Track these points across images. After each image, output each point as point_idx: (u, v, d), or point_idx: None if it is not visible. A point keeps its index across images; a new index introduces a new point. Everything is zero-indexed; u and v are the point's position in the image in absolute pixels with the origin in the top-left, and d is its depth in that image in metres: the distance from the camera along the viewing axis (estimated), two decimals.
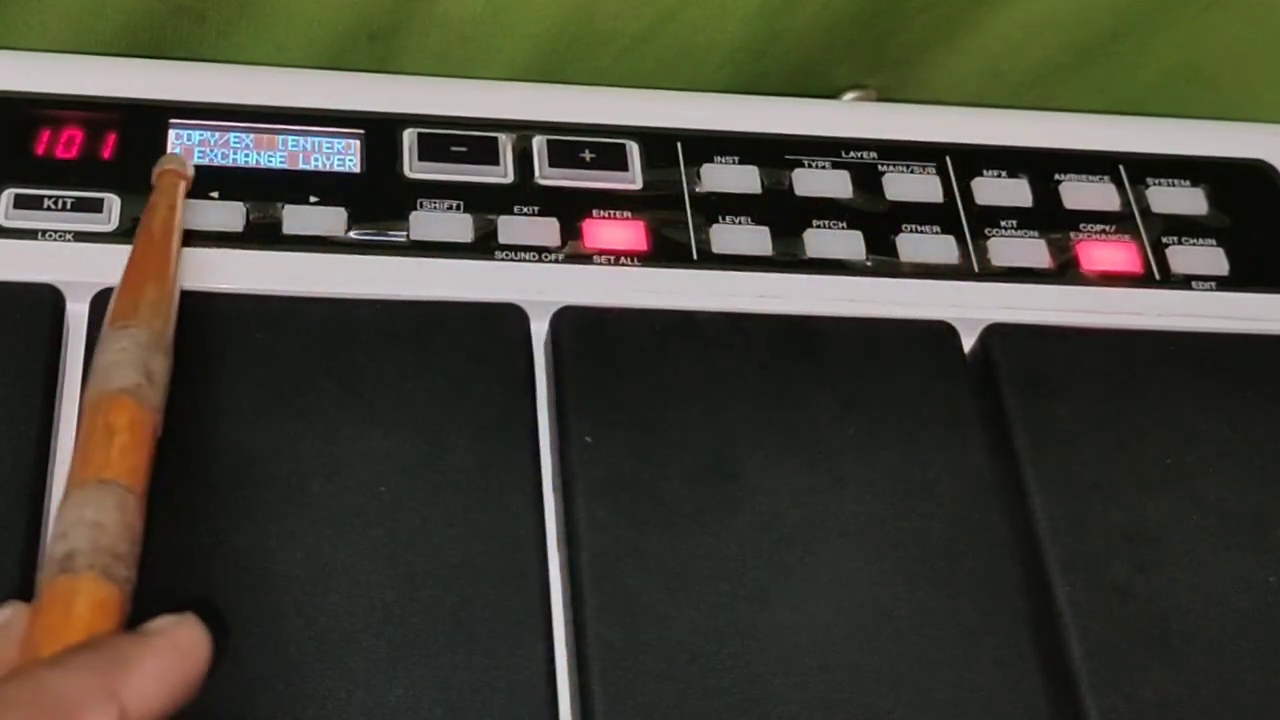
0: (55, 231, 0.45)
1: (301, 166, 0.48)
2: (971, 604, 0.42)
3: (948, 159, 0.52)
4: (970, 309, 0.48)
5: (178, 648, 0.31)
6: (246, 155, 0.48)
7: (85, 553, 0.32)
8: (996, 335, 0.47)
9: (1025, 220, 0.51)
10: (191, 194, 0.46)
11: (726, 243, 0.48)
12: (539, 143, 0.49)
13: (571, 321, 0.45)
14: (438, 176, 0.48)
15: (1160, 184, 0.53)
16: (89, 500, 0.33)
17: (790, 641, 0.41)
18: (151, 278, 0.40)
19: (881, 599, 0.42)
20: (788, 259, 0.48)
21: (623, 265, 0.47)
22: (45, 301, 0.43)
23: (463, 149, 0.49)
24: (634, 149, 0.50)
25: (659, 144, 0.50)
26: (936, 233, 0.50)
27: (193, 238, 0.45)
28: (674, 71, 0.55)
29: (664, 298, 0.47)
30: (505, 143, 0.49)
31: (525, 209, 0.48)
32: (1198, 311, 0.50)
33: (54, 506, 0.40)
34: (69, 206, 0.45)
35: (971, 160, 0.52)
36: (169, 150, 0.47)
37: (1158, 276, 0.50)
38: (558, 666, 0.40)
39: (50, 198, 0.45)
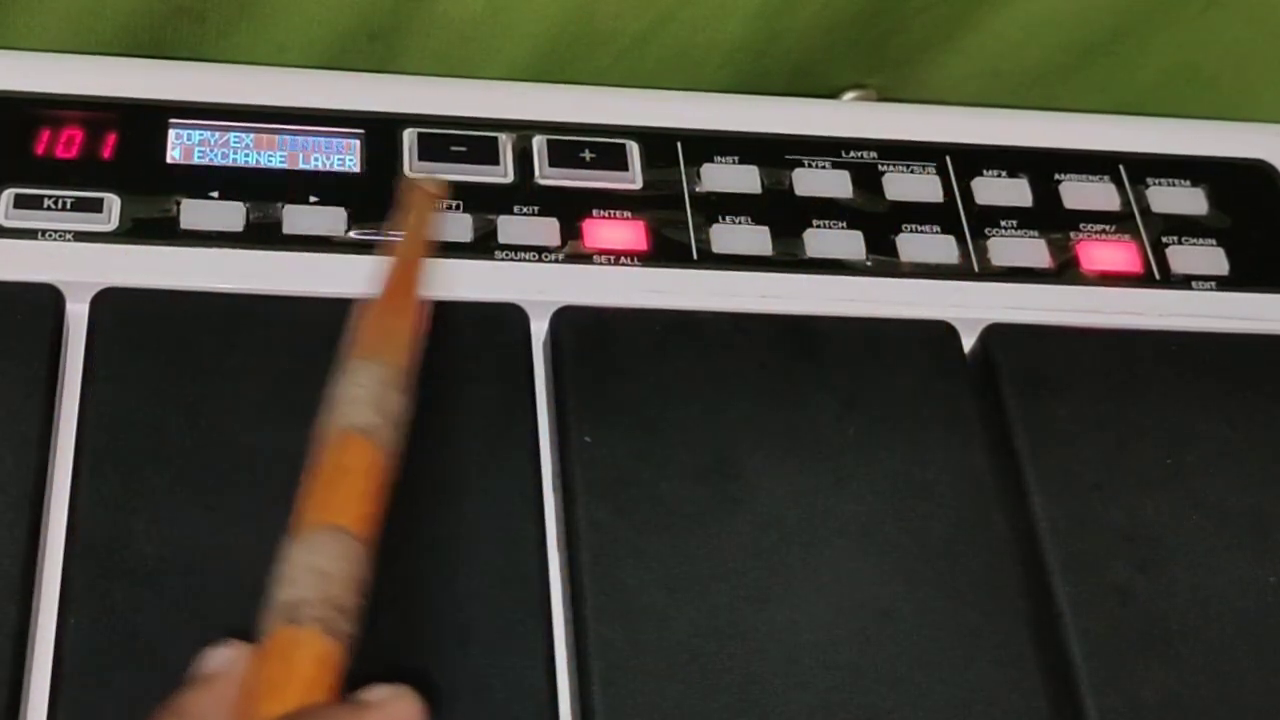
0: (55, 231, 0.45)
1: (301, 166, 0.48)
2: (971, 604, 0.42)
3: (948, 159, 0.52)
4: (970, 309, 0.48)
5: None
6: (246, 155, 0.48)
7: (312, 604, 0.31)
8: (996, 335, 0.47)
9: (1025, 220, 0.51)
10: (191, 193, 0.46)
11: (726, 243, 0.48)
12: (539, 143, 0.49)
13: (571, 321, 0.45)
14: (438, 176, 0.48)
15: (1160, 184, 0.53)
16: (319, 547, 0.32)
17: (790, 641, 0.41)
18: (399, 309, 0.39)
19: (881, 599, 0.42)
20: (788, 259, 0.48)
21: (623, 265, 0.47)
22: (45, 301, 0.43)
23: (463, 149, 0.49)
24: (634, 149, 0.50)
25: (659, 144, 0.50)
26: (936, 233, 0.50)
27: (193, 237, 0.45)
28: (674, 71, 0.55)
29: (664, 298, 0.47)
30: (505, 143, 0.49)
31: (525, 209, 0.48)
32: (1198, 311, 0.50)
33: (54, 506, 0.40)
34: (69, 206, 0.45)
35: (971, 160, 0.52)
36: (169, 150, 0.47)
37: (1158, 276, 0.50)
38: (558, 666, 0.40)
39: (50, 198, 0.45)
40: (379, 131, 0.49)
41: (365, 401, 0.36)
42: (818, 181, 0.50)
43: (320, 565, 0.32)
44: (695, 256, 0.48)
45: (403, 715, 0.31)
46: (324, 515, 0.33)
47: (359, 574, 0.33)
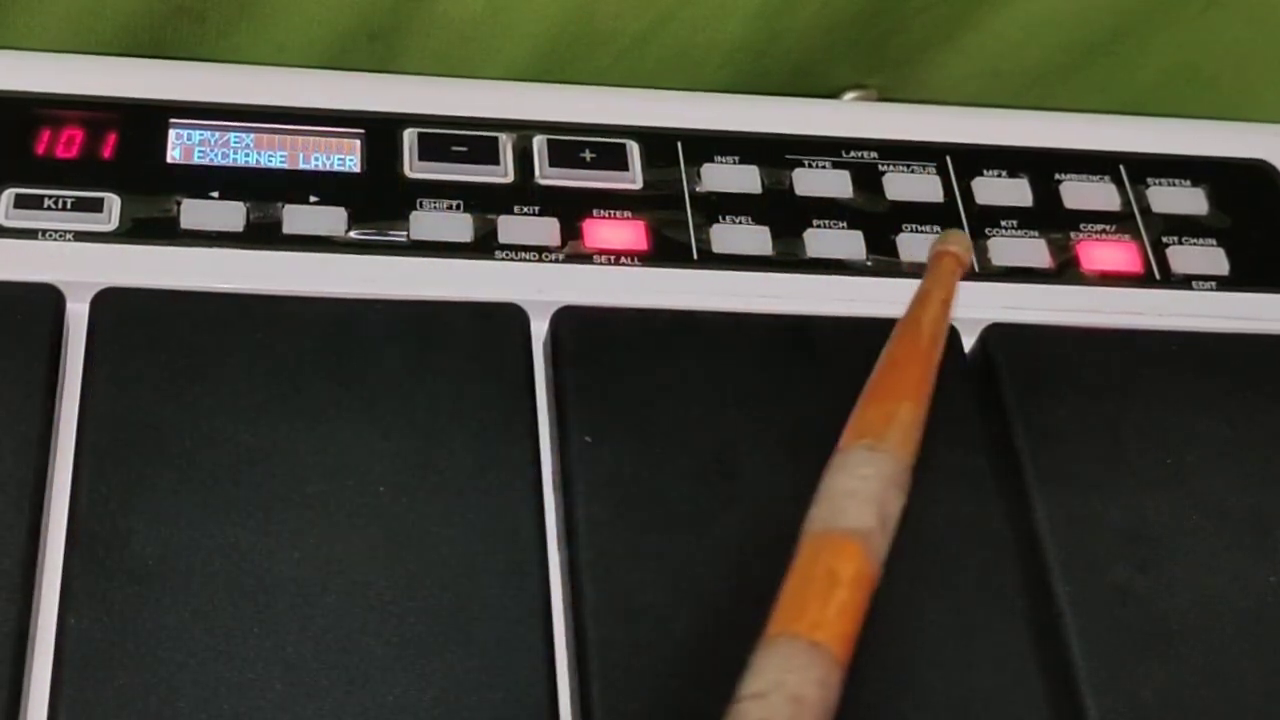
0: (55, 231, 0.45)
1: (301, 166, 0.48)
2: (971, 604, 0.42)
3: (948, 159, 0.52)
4: (970, 309, 0.48)
5: None
6: (246, 155, 0.48)
7: None
8: (996, 335, 0.47)
9: (1025, 220, 0.51)
10: (191, 193, 0.46)
11: (726, 243, 0.48)
12: (539, 142, 0.49)
13: (571, 321, 0.45)
14: (438, 176, 0.48)
15: (1160, 184, 0.53)
16: (795, 664, 0.30)
17: None
18: (911, 393, 0.36)
19: (881, 599, 0.42)
20: (788, 259, 0.48)
21: (623, 265, 0.47)
22: (45, 301, 0.43)
23: (463, 149, 0.49)
24: (634, 149, 0.50)
25: (659, 144, 0.50)
26: (937, 232, 0.50)
27: (193, 237, 0.45)
28: (674, 71, 0.55)
29: (664, 298, 0.47)
30: (505, 143, 0.49)
31: (525, 209, 0.48)
32: (1198, 311, 0.50)
33: (54, 506, 0.40)
34: (69, 206, 0.45)
35: (971, 160, 0.52)
36: (169, 150, 0.47)
37: (1158, 276, 0.50)
38: (558, 666, 0.40)
39: (50, 198, 0.45)
40: (379, 131, 0.49)
41: (865, 500, 0.32)
42: (818, 181, 0.50)
43: (794, 688, 0.29)
44: (695, 256, 0.48)
45: None
46: (805, 628, 0.30)
47: (832, 702, 0.30)
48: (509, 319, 0.45)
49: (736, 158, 0.50)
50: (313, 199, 0.47)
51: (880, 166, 0.51)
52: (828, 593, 0.31)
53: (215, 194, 0.46)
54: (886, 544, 0.32)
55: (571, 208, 0.48)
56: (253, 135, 0.48)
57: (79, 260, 0.44)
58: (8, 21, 0.50)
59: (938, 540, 0.43)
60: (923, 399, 0.36)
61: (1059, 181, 0.52)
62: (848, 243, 0.49)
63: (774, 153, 0.51)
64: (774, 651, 0.30)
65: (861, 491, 0.32)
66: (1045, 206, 0.51)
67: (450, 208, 0.47)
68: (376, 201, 0.47)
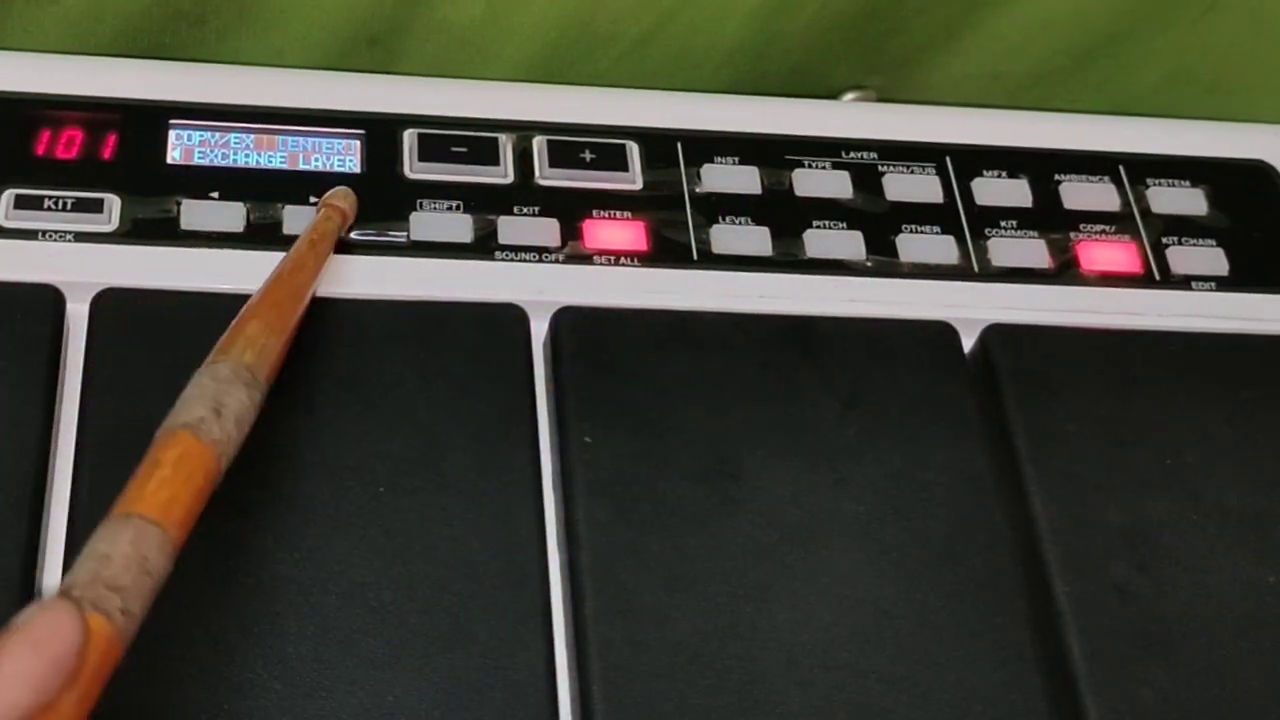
0: (55, 232, 0.45)
1: (301, 167, 0.48)
2: (971, 604, 0.42)
3: (948, 159, 0.52)
4: (970, 309, 0.48)
5: (34, 642, 0.30)
6: (246, 155, 0.48)
7: (81, 584, 0.31)
8: (996, 335, 0.47)
9: (1025, 220, 0.51)
10: (191, 194, 0.46)
11: (726, 243, 0.48)
12: (539, 143, 0.49)
13: (571, 321, 0.45)
14: (438, 177, 0.48)
15: (1160, 184, 0.53)
16: (105, 534, 0.32)
17: (790, 641, 0.41)
18: (260, 313, 0.39)
19: (881, 599, 0.42)
20: (788, 259, 0.48)
21: (623, 265, 0.47)
22: (45, 301, 0.43)
23: (463, 149, 0.49)
24: (634, 149, 0.50)
25: (659, 144, 0.50)
26: (936, 233, 0.50)
27: (193, 238, 0.45)
28: (674, 72, 0.55)
29: (664, 298, 0.47)
30: (505, 143, 0.49)
31: (525, 209, 0.48)
32: (1198, 311, 0.50)
33: (54, 506, 0.40)
34: (69, 207, 0.45)
35: (971, 160, 0.52)
36: (169, 151, 0.47)
37: (1158, 277, 0.50)
38: (558, 666, 0.40)
39: (50, 198, 0.45)
40: (379, 132, 0.49)
41: (196, 400, 0.36)
42: (818, 182, 0.50)
43: (101, 550, 0.32)
44: (695, 257, 0.48)
45: (44, 632, 0.30)
46: (121, 507, 0.33)
47: (148, 554, 0.32)
48: (509, 319, 0.45)
49: (736, 158, 0.50)
50: (313, 199, 0.47)
51: (880, 167, 0.51)
52: (149, 475, 0.34)
53: (215, 194, 0.46)
54: (230, 427, 0.36)
55: (571, 208, 0.48)
56: (253, 136, 0.48)
57: (79, 260, 0.44)
58: (8, 22, 0.50)
59: (938, 540, 0.43)
60: (272, 315, 0.39)
61: (1058, 182, 0.52)
62: (847, 243, 0.49)
63: (774, 153, 0.51)
64: (94, 533, 0.32)
65: (194, 395, 0.36)
66: (1045, 207, 0.51)
67: (450, 208, 0.47)
68: (376, 202, 0.47)
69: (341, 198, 0.45)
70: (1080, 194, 0.52)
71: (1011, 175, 0.52)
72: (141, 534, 0.33)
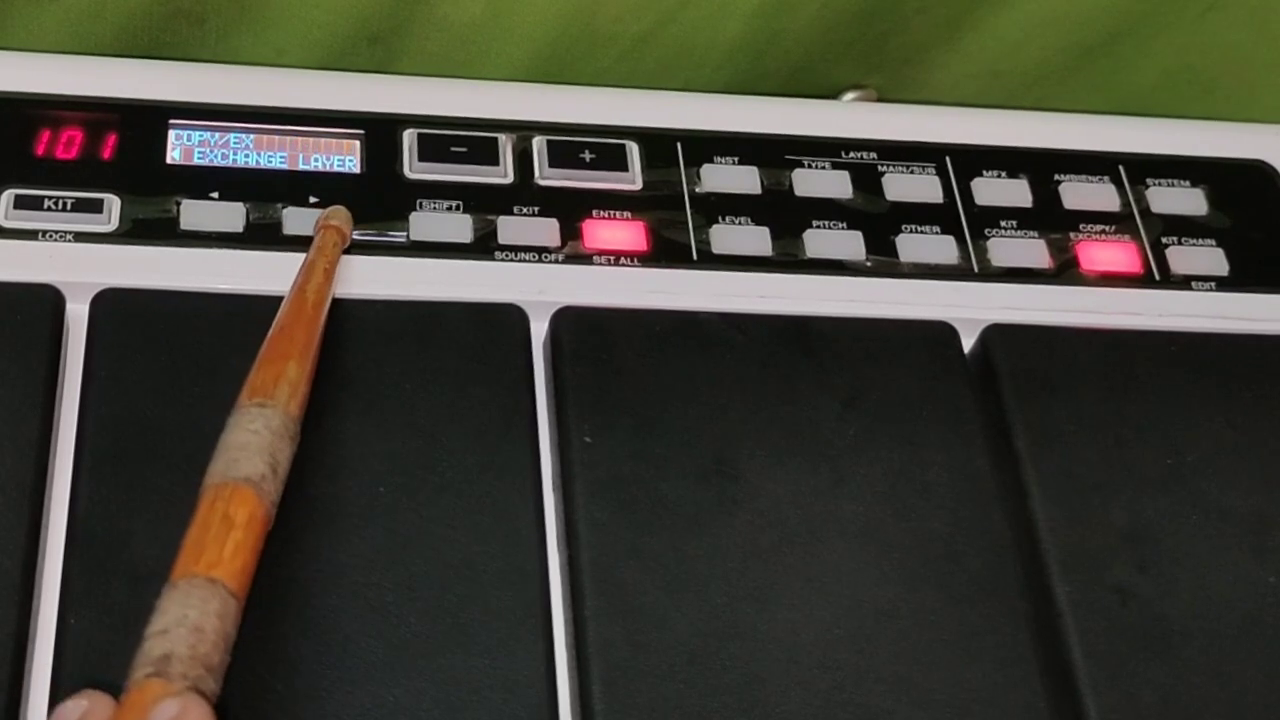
0: (55, 232, 0.45)
1: (301, 167, 0.48)
2: (971, 604, 0.42)
3: (948, 159, 0.52)
4: (970, 309, 0.48)
5: None
6: (246, 155, 0.48)
7: (183, 660, 0.31)
8: (996, 335, 0.47)
9: (1025, 220, 0.51)
10: (191, 194, 0.46)
11: (726, 243, 0.48)
12: (539, 143, 0.49)
13: (571, 321, 0.45)
14: (438, 177, 0.48)
15: (1160, 184, 0.53)
16: (195, 600, 0.32)
17: (790, 641, 0.41)
18: (296, 353, 0.39)
19: (881, 599, 0.42)
20: (788, 259, 0.48)
21: (623, 265, 0.47)
22: (45, 302, 0.43)
23: (463, 149, 0.49)
24: (634, 149, 0.50)
25: (659, 144, 0.50)
26: (936, 233, 0.50)
27: (193, 238, 0.45)
28: (674, 72, 0.55)
29: (664, 298, 0.47)
30: (505, 143, 0.49)
31: (525, 209, 0.48)
32: (1197, 311, 0.50)
33: (54, 506, 0.40)
34: (69, 207, 0.45)
35: (971, 160, 0.52)
36: (169, 151, 0.47)
37: (1157, 277, 0.50)
38: (558, 666, 0.40)
39: (50, 198, 0.45)
40: (379, 132, 0.49)
41: (256, 451, 0.36)
42: (818, 182, 0.50)
43: (194, 620, 0.32)
44: (695, 257, 0.48)
45: None
46: (203, 568, 0.33)
47: (231, 632, 0.33)
48: (509, 319, 0.45)
49: (736, 158, 0.50)
50: (313, 199, 0.47)
51: (880, 167, 0.51)
52: (224, 534, 0.34)
53: (215, 195, 0.46)
54: (278, 488, 0.36)
55: (571, 208, 0.48)
56: (253, 136, 0.48)
57: (79, 260, 0.44)
58: (8, 22, 0.50)
59: (938, 540, 0.43)
60: (307, 358, 0.40)
61: (1058, 182, 0.52)
62: (847, 243, 0.49)
63: (774, 153, 0.51)
64: (174, 593, 0.33)
65: (253, 445, 0.36)
66: (1045, 207, 0.51)
67: (450, 208, 0.47)
68: (376, 202, 0.47)
69: (341, 219, 0.45)
70: (1080, 194, 0.52)
71: (1011, 175, 0.52)
72: (228, 607, 0.33)
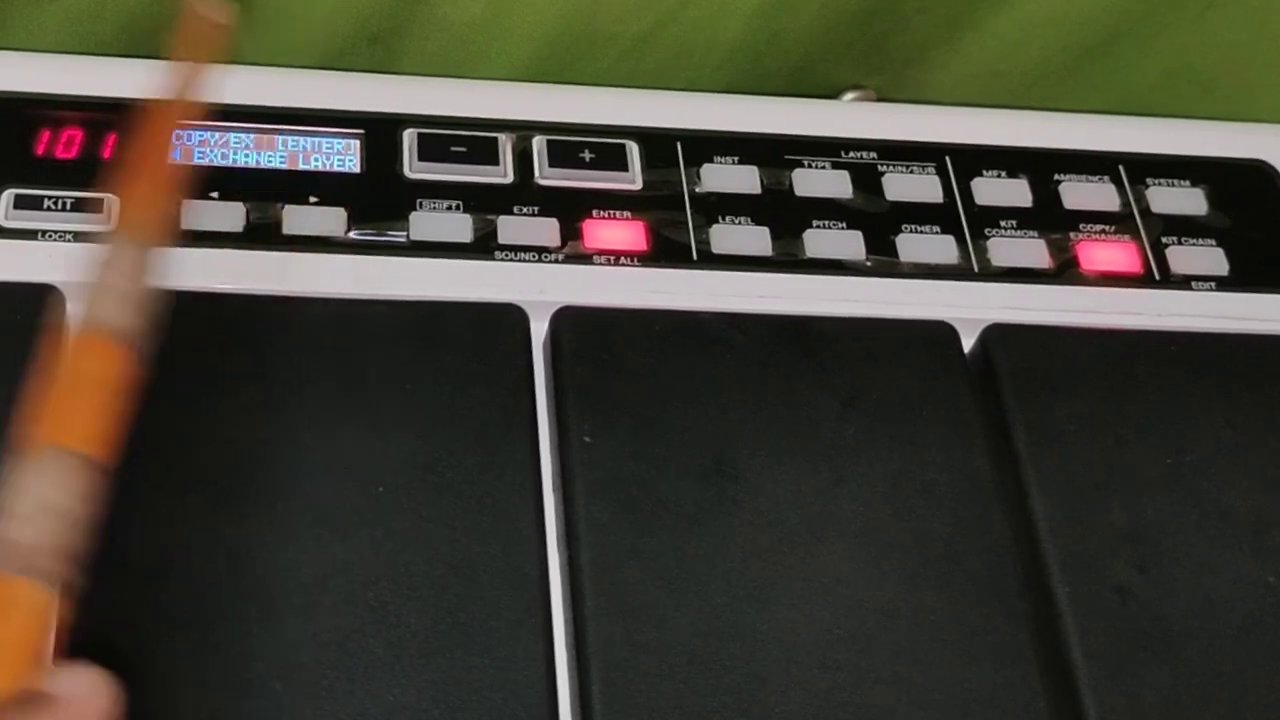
0: (55, 231, 0.45)
1: (301, 166, 0.48)
2: (971, 604, 0.42)
3: (948, 159, 0.52)
4: (970, 309, 0.48)
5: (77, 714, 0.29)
6: (246, 155, 0.48)
7: (43, 552, 0.29)
8: (996, 335, 0.47)
9: (1025, 220, 0.51)
10: (191, 194, 0.46)
11: (726, 243, 0.48)
12: (539, 143, 0.49)
13: (571, 321, 0.45)
14: (438, 176, 0.48)
15: (1160, 184, 0.53)
16: (55, 477, 0.30)
17: (790, 641, 0.41)
18: (159, 172, 0.36)
19: (881, 599, 0.42)
20: (788, 259, 0.48)
21: (623, 265, 0.47)
22: (45, 302, 0.43)
23: (463, 149, 0.49)
24: (634, 149, 0.50)
25: (659, 144, 0.50)
26: (936, 233, 0.50)
27: (193, 238, 0.45)
28: (674, 72, 0.55)
29: (664, 298, 0.47)
30: (505, 143, 0.49)
31: (525, 209, 0.48)
32: (1197, 311, 0.50)
33: None
34: (69, 207, 0.45)
35: (971, 160, 0.52)
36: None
37: (1157, 276, 0.50)
38: (558, 666, 0.40)
39: (50, 198, 0.45)
40: (379, 131, 0.49)
41: (122, 294, 0.33)
42: (818, 182, 0.50)
43: (55, 501, 0.29)
44: (695, 257, 0.48)
45: (90, 715, 0.29)
46: (61, 435, 0.30)
47: (92, 508, 0.30)
48: (509, 319, 0.45)
49: (736, 158, 0.50)
50: (312, 199, 0.47)
51: (880, 167, 0.51)
52: (84, 395, 0.31)
53: (215, 194, 0.46)
54: (146, 327, 0.33)
55: (571, 208, 0.48)
56: (253, 135, 0.48)
57: (79, 260, 0.44)
58: (8, 22, 0.50)
59: (938, 540, 0.43)
60: (167, 177, 0.36)
61: (1058, 182, 0.52)
62: (847, 243, 0.49)
63: (773, 153, 0.51)
64: (32, 469, 0.30)
65: (119, 286, 0.33)
66: (1045, 207, 0.51)
67: (450, 208, 0.47)
68: (376, 202, 0.47)
69: (207, 4, 0.41)
70: (1080, 194, 0.52)
71: (1011, 175, 0.52)
72: (90, 483, 0.30)
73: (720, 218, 0.49)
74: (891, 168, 0.51)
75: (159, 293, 0.34)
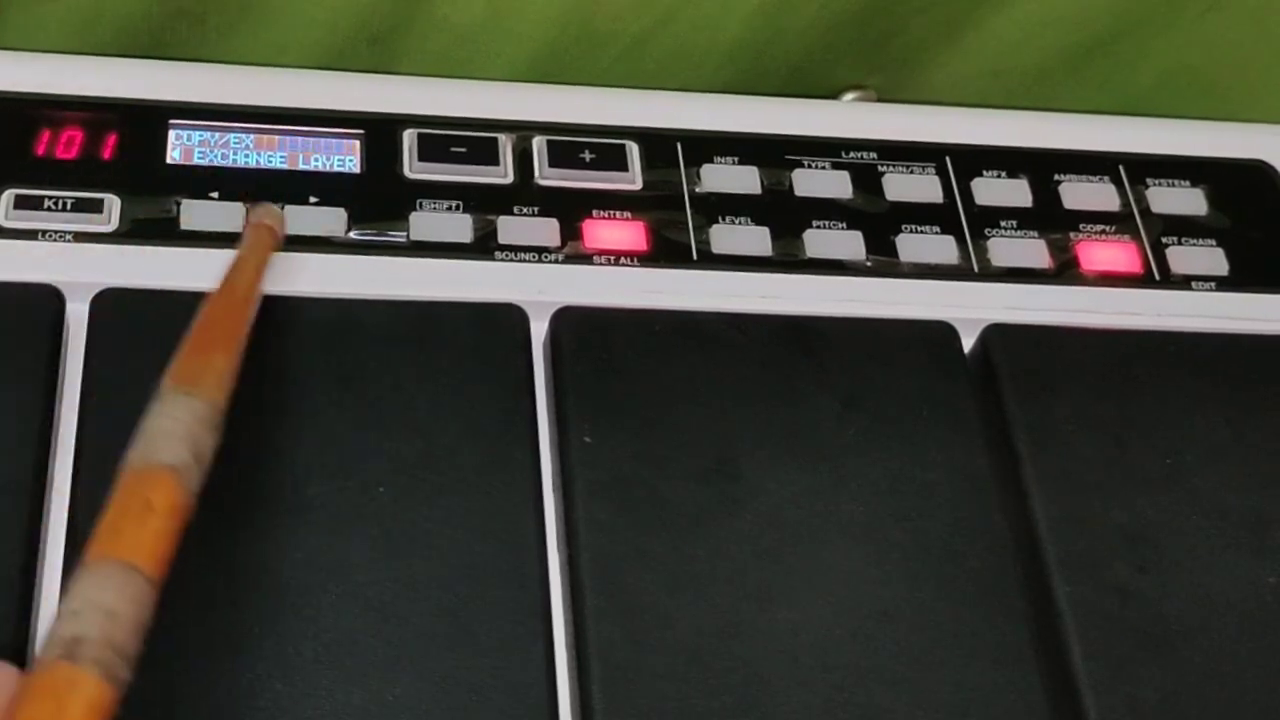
0: (55, 232, 0.45)
1: (301, 166, 0.48)
2: (971, 604, 0.42)
3: (948, 159, 0.52)
4: (970, 309, 0.48)
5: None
6: (246, 155, 0.48)
7: (94, 643, 0.30)
8: (996, 335, 0.47)
9: (1025, 220, 0.51)
10: (191, 194, 0.46)
11: (726, 243, 0.48)
12: (539, 143, 0.49)
13: (571, 321, 0.45)
14: (438, 177, 0.48)
15: (1160, 184, 0.53)
16: (110, 584, 0.31)
17: (791, 641, 0.41)
18: (222, 345, 0.39)
19: (881, 599, 0.42)
20: (788, 259, 0.48)
21: (623, 265, 0.47)
22: (45, 301, 0.43)
23: (463, 149, 0.49)
24: (634, 149, 0.50)
25: (659, 144, 0.50)
26: (936, 233, 0.50)
27: (193, 238, 0.45)
28: (673, 72, 0.55)
29: (664, 298, 0.47)
30: (505, 143, 0.49)
31: (525, 209, 0.48)
32: (1197, 311, 0.50)
33: (54, 506, 0.40)
34: (69, 207, 0.45)
35: (971, 160, 0.52)
36: (169, 151, 0.47)
37: (1157, 277, 0.50)
38: (558, 666, 0.40)
39: (50, 198, 0.45)
40: (379, 132, 0.49)
41: (178, 438, 0.35)
42: (818, 182, 0.50)
43: (109, 604, 0.31)
44: (695, 257, 0.48)
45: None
46: (119, 552, 0.32)
47: (146, 620, 0.32)
48: (509, 319, 0.45)
49: (736, 158, 0.50)
50: (313, 199, 0.47)
51: (880, 167, 0.51)
52: (144, 519, 0.33)
53: (215, 194, 0.46)
54: (200, 478, 0.35)
55: (571, 208, 0.48)
56: (253, 136, 0.48)
57: (79, 260, 0.44)
58: (8, 22, 0.50)
59: (938, 540, 0.43)
60: (234, 349, 0.39)
61: (1058, 182, 0.52)
62: (847, 243, 0.49)
63: (773, 153, 0.51)
64: (88, 575, 0.31)
65: (176, 431, 0.35)
66: (1045, 207, 0.51)
67: (450, 208, 0.47)
68: (376, 202, 0.47)
69: (274, 219, 0.44)
70: (1080, 194, 0.52)
71: (1011, 175, 0.52)
72: (144, 594, 0.32)
73: (720, 218, 0.49)
74: (891, 168, 0.51)
75: (212, 447, 0.36)
